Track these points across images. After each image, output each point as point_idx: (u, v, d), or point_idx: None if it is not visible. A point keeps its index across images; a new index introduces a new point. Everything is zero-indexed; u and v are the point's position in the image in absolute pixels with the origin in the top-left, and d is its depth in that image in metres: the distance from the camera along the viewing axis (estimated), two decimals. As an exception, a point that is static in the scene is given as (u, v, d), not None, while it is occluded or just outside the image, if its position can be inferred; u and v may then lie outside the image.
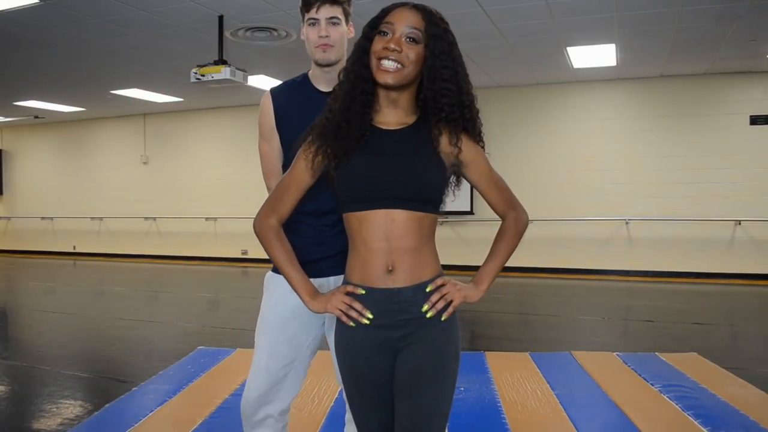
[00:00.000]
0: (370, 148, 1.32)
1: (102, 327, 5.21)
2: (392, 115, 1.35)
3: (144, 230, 10.51)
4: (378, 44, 1.30)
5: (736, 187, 7.30)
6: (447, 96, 1.31)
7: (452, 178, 1.40)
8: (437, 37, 1.29)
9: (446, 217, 8.04)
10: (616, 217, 7.73)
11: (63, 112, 10.10)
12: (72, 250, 11.13)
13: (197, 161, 10.03)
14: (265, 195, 1.52)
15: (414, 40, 1.28)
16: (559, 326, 5.21)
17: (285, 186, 1.40)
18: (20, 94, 8.58)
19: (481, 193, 1.42)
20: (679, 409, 2.79)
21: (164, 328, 5.22)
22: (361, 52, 1.34)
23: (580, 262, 7.84)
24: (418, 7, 1.32)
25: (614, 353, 3.81)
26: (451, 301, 1.33)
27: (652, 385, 3.16)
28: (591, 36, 5.79)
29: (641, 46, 6.15)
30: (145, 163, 10.56)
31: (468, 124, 1.36)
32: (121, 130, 10.75)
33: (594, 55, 6.51)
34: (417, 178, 1.30)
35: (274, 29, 5.46)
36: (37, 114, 10.07)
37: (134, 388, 3.19)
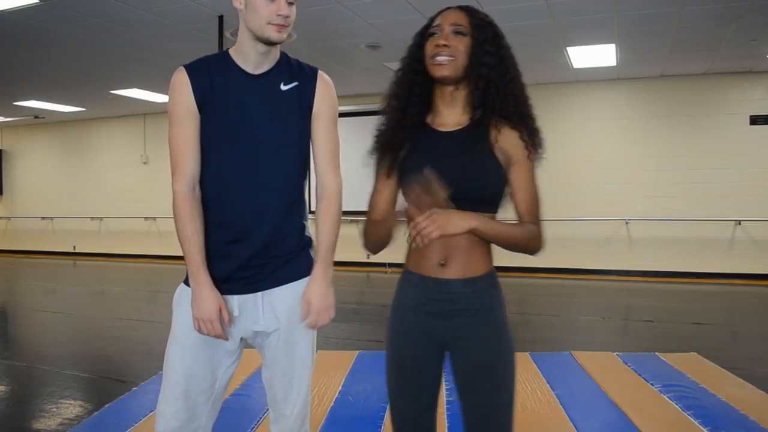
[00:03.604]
0: (427, 150, 1.38)
1: (102, 327, 5.21)
2: (449, 116, 1.41)
3: (144, 230, 10.51)
4: (429, 45, 1.38)
5: (736, 187, 7.30)
6: (492, 81, 1.37)
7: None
8: (481, 27, 1.38)
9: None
10: (616, 217, 7.73)
11: (63, 112, 10.10)
12: (72, 250, 11.13)
13: (197, 161, 10.02)
14: None
15: (461, 33, 1.36)
16: (559, 326, 5.21)
17: (374, 201, 1.50)
18: (20, 94, 8.58)
19: (512, 198, 1.39)
20: (679, 409, 2.79)
21: (164, 328, 5.19)
22: (413, 59, 1.41)
23: (580, 262, 7.84)
24: (461, 7, 1.41)
25: (614, 353, 3.81)
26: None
27: (652, 385, 3.16)
28: (591, 36, 5.79)
29: (641, 46, 6.15)
30: (145, 163, 10.56)
31: (515, 115, 1.38)
32: (121, 130, 10.75)
33: (594, 55, 6.51)
34: (471, 180, 1.34)
35: (274, 29, 5.45)
36: (37, 114, 10.07)
37: (134, 388, 3.19)
